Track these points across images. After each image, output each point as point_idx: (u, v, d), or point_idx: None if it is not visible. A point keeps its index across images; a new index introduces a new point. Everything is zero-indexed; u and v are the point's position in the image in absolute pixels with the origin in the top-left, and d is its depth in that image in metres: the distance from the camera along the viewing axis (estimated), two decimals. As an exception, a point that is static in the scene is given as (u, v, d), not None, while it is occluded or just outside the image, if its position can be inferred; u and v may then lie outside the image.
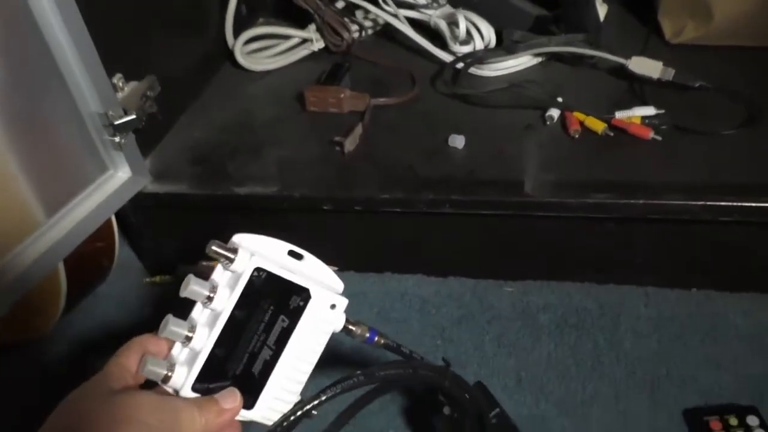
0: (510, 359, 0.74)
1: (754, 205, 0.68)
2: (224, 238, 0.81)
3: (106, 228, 0.79)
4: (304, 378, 0.46)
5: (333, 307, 0.46)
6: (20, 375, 0.77)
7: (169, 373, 0.41)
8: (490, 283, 0.83)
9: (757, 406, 0.65)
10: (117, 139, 0.72)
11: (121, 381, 0.41)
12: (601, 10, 0.95)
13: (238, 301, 0.42)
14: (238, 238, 0.44)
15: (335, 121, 0.85)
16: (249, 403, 0.44)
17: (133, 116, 0.72)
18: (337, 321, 0.46)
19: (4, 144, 0.62)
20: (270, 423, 0.45)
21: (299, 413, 0.44)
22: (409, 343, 0.75)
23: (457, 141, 0.78)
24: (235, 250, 0.42)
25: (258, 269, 0.42)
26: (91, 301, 0.84)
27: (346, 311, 0.47)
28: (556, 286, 0.81)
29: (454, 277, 0.84)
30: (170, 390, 0.42)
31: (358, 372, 0.46)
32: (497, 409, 0.60)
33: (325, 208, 0.76)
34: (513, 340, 0.76)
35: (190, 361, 0.42)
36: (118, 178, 0.76)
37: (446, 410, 0.61)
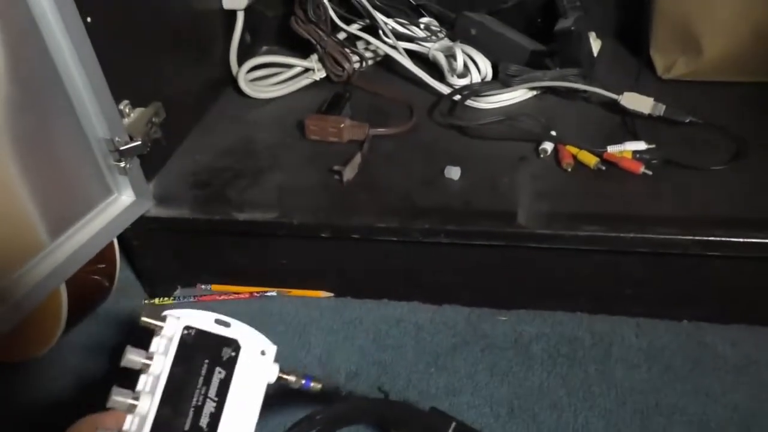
0: (503, 388, 0.75)
1: (742, 240, 0.69)
2: (222, 263, 0.82)
3: (108, 250, 0.81)
4: (251, 428, 0.46)
5: (263, 353, 0.47)
6: (18, 394, 0.77)
7: None
8: (484, 311, 0.84)
9: (745, 438, 0.66)
10: (122, 164, 0.74)
11: None
12: (595, 46, 0.98)
13: (174, 360, 0.44)
14: (167, 312, 0.46)
15: (335, 149, 0.87)
16: None
17: (139, 142, 0.74)
18: (269, 368, 0.47)
19: (13, 166, 0.64)
20: None
21: None
22: (403, 370, 0.77)
23: (453, 172, 0.80)
24: (163, 318, 0.45)
25: (187, 327, 0.45)
26: (91, 322, 0.85)
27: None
28: (549, 316, 0.82)
29: (448, 305, 0.85)
30: None
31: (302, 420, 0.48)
32: (454, 423, 0.60)
33: (323, 235, 0.77)
34: (506, 369, 0.77)
35: (139, 428, 0.43)
36: (122, 201, 0.77)
37: None
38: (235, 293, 0.89)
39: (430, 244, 0.77)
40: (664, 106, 0.83)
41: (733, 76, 0.92)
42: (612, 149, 0.79)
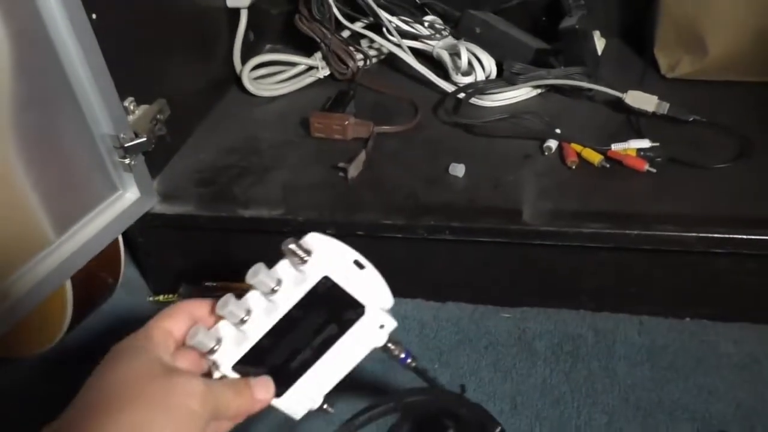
0: (506, 384, 0.75)
1: (745, 237, 0.69)
2: (226, 260, 0.82)
3: (112, 247, 0.81)
4: (334, 382, 0.47)
5: (381, 327, 0.47)
6: (23, 389, 0.78)
7: (216, 347, 0.43)
8: (488, 308, 0.84)
9: (747, 433, 0.67)
10: (127, 160, 0.74)
11: (164, 346, 0.42)
12: (599, 44, 0.98)
13: (299, 302, 0.43)
14: (311, 239, 0.45)
15: (339, 147, 0.87)
16: (279, 392, 0.46)
17: (144, 139, 0.74)
18: (381, 338, 0.48)
19: (19, 163, 0.64)
20: (290, 414, 0.47)
21: None
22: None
23: (458, 169, 0.80)
24: (309, 252, 0.43)
25: (326, 278, 0.43)
26: (96, 318, 0.85)
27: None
28: (553, 313, 0.83)
29: (452, 302, 0.85)
30: (209, 361, 0.44)
31: (390, 401, 0.49)
32: (499, 428, 0.61)
33: (327, 232, 0.77)
34: (509, 366, 0.77)
35: (238, 342, 0.43)
36: (127, 198, 0.77)
37: None
38: (240, 289, 0.89)
39: (435, 241, 0.77)
40: (668, 105, 0.83)
41: (737, 76, 0.92)
42: (616, 147, 0.80)
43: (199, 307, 0.45)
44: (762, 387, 0.72)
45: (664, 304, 0.80)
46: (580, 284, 0.81)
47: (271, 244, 0.84)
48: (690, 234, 0.70)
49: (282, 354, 0.45)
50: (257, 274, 0.42)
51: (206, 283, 0.91)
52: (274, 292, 0.43)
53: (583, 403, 0.72)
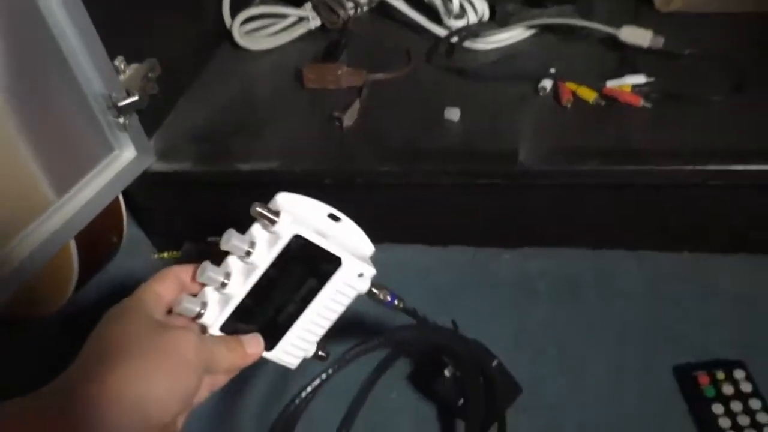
0: (508, 323, 0.76)
1: (742, 168, 0.70)
2: (228, 215, 0.83)
3: (114, 206, 0.82)
4: (323, 330, 0.49)
5: (361, 275, 0.48)
6: (33, 349, 0.80)
7: (202, 311, 0.44)
8: (489, 251, 0.85)
9: (745, 361, 0.68)
10: (121, 120, 0.74)
11: (155, 309, 0.44)
12: (592, -20, 0.96)
13: (274, 261, 0.44)
14: (281, 198, 0.46)
15: (334, 97, 0.87)
16: (269, 345, 0.47)
17: (136, 98, 0.74)
18: (362, 286, 0.49)
19: (14, 126, 0.64)
20: (285, 364, 0.49)
21: (324, 377, 0.49)
22: (409, 310, 0.78)
23: (453, 114, 0.80)
24: (277, 213, 0.43)
25: (297, 236, 0.44)
26: (102, 278, 0.87)
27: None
28: (553, 253, 0.83)
29: (454, 246, 0.86)
30: (198, 325, 0.45)
31: (380, 336, 0.51)
32: (496, 360, 0.63)
33: (325, 182, 0.78)
34: (511, 305, 0.78)
35: (222, 304, 0.45)
36: (124, 158, 0.78)
37: (447, 372, 0.64)
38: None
39: (433, 186, 0.77)
40: (663, 39, 0.82)
41: (731, 7, 0.91)
42: (611, 84, 0.79)
43: (185, 272, 0.47)
44: (759, 316, 0.73)
45: (663, 239, 0.81)
46: (579, 222, 0.82)
47: (269, 197, 0.85)
48: (686, 167, 0.70)
49: (267, 311, 0.46)
50: (230, 239, 0.43)
51: (209, 239, 0.91)
52: (249, 254, 0.44)
53: (583, 339, 0.73)
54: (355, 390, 0.55)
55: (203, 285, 0.46)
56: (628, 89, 0.79)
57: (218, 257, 0.46)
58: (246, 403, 0.71)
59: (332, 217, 0.48)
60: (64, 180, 0.71)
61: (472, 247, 0.86)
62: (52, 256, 0.70)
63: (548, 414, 0.67)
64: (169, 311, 0.46)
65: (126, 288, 0.84)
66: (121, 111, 0.74)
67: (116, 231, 0.84)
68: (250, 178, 0.79)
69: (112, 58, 0.73)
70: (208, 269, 0.44)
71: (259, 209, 0.43)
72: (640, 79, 0.79)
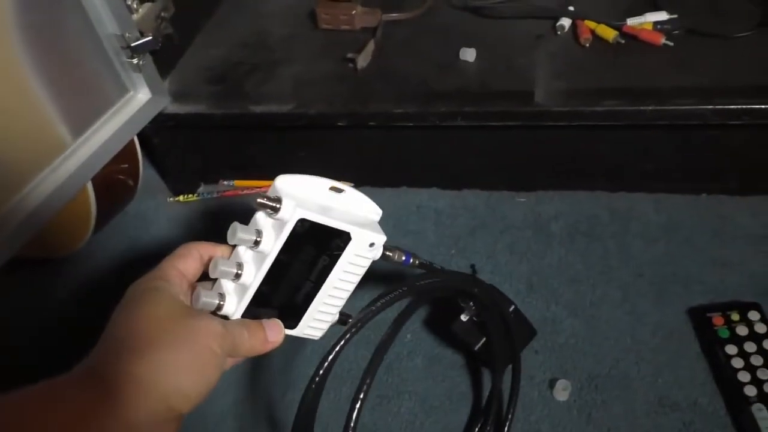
0: (522, 266, 0.77)
1: (762, 107, 0.68)
2: (242, 157, 0.82)
3: (129, 149, 0.82)
4: (343, 301, 0.49)
5: (372, 245, 0.48)
6: (56, 288, 0.81)
7: (221, 303, 0.44)
8: (504, 194, 0.85)
9: (760, 302, 0.67)
10: (135, 60, 0.74)
11: (179, 287, 0.44)
12: None
13: (283, 247, 0.44)
14: (281, 182, 0.45)
15: (348, 37, 0.86)
16: (292, 324, 0.48)
17: (150, 38, 0.73)
18: (375, 253, 0.49)
19: (30, 68, 0.64)
20: (310, 337, 0.49)
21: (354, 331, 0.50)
22: (424, 253, 0.77)
23: (468, 54, 0.79)
24: (278, 200, 0.43)
25: (301, 219, 0.44)
26: (120, 220, 0.88)
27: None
28: (568, 196, 0.83)
29: (468, 190, 0.86)
30: (220, 315, 0.45)
31: (402, 286, 0.51)
32: (513, 306, 0.63)
33: (340, 124, 0.78)
34: (525, 248, 0.78)
35: (240, 293, 0.45)
36: (139, 99, 0.77)
37: (463, 317, 0.64)
38: (257, 187, 0.90)
39: (448, 127, 0.76)
40: (686, -27, 0.80)
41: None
42: (632, 21, 0.77)
43: (207, 248, 0.47)
44: (776, 258, 0.73)
45: (681, 181, 0.80)
46: (595, 165, 0.81)
47: (284, 139, 0.85)
48: (707, 107, 0.69)
49: (285, 293, 0.46)
50: (235, 233, 0.43)
51: (224, 182, 0.92)
52: (258, 244, 0.44)
53: (597, 281, 0.74)
54: (376, 336, 0.55)
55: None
56: (650, 27, 0.77)
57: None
58: (269, 360, 0.72)
59: (334, 189, 0.47)
60: (80, 122, 0.72)
61: (486, 191, 0.85)
62: (70, 198, 0.71)
63: (561, 354, 0.68)
64: (193, 288, 0.46)
65: (143, 232, 0.87)
66: (135, 51, 0.73)
67: (132, 174, 0.85)
68: (264, 120, 0.79)
69: (125, -4, 0.73)
70: (220, 264, 0.44)
71: (259, 200, 0.43)
72: (662, 15, 0.77)
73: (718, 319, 0.66)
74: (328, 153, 0.87)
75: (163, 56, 0.80)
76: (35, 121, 0.67)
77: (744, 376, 0.62)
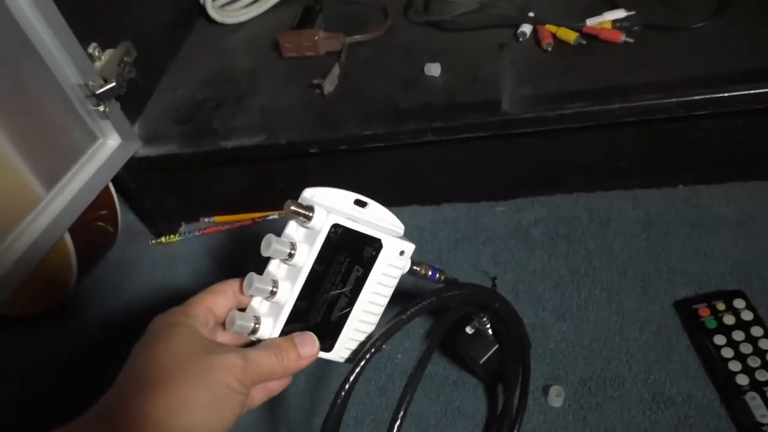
0: (507, 275, 0.76)
1: (727, 95, 0.68)
2: (219, 194, 0.82)
3: (106, 195, 0.82)
4: (377, 318, 0.49)
5: (402, 253, 0.48)
6: (42, 345, 0.80)
7: (257, 326, 0.44)
8: (483, 205, 0.85)
9: (744, 289, 0.67)
10: (101, 108, 0.74)
11: (203, 322, 0.44)
12: None
13: (318, 258, 0.44)
14: (309, 193, 0.46)
15: (313, 64, 0.86)
16: (327, 346, 0.47)
17: (114, 84, 0.73)
18: (404, 264, 0.49)
19: (-5, 125, 0.64)
20: (343, 360, 0.49)
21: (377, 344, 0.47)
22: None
23: (433, 69, 0.79)
24: (311, 208, 0.43)
25: (335, 225, 0.44)
26: (103, 268, 0.87)
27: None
28: (546, 200, 0.83)
29: (447, 204, 0.86)
30: (255, 339, 0.45)
31: (430, 296, 0.50)
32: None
33: (312, 151, 0.78)
34: (508, 257, 0.78)
35: (275, 313, 0.44)
36: (109, 146, 0.77)
37: (469, 329, 0.64)
38: (237, 222, 0.90)
39: (419, 144, 0.76)
40: (639, -30, 0.80)
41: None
42: (591, 22, 0.78)
43: (239, 285, 0.46)
44: (757, 241, 0.73)
45: (656, 175, 0.80)
46: (570, 167, 0.81)
47: (257, 171, 0.85)
48: (671, 100, 0.69)
49: (319, 310, 0.46)
50: (270, 245, 0.43)
51: (204, 219, 0.92)
52: (292, 256, 0.44)
53: (582, 283, 0.73)
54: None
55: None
56: (609, 26, 0.77)
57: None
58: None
59: (359, 203, 0.48)
60: (51, 174, 0.72)
61: (465, 203, 0.85)
62: (47, 251, 0.70)
63: (552, 360, 0.67)
64: (222, 324, 0.45)
65: (127, 277, 0.86)
66: (100, 98, 0.73)
67: (111, 220, 0.84)
68: (235, 154, 0.79)
69: (85, 45, 0.73)
70: (255, 280, 0.43)
71: (293, 207, 0.43)
72: (620, 13, 0.78)
73: (704, 311, 0.66)
74: (304, 181, 0.86)
75: (130, 101, 0.80)
76: (4, 176, 0.66)
77: (735, 366, 0.62)
